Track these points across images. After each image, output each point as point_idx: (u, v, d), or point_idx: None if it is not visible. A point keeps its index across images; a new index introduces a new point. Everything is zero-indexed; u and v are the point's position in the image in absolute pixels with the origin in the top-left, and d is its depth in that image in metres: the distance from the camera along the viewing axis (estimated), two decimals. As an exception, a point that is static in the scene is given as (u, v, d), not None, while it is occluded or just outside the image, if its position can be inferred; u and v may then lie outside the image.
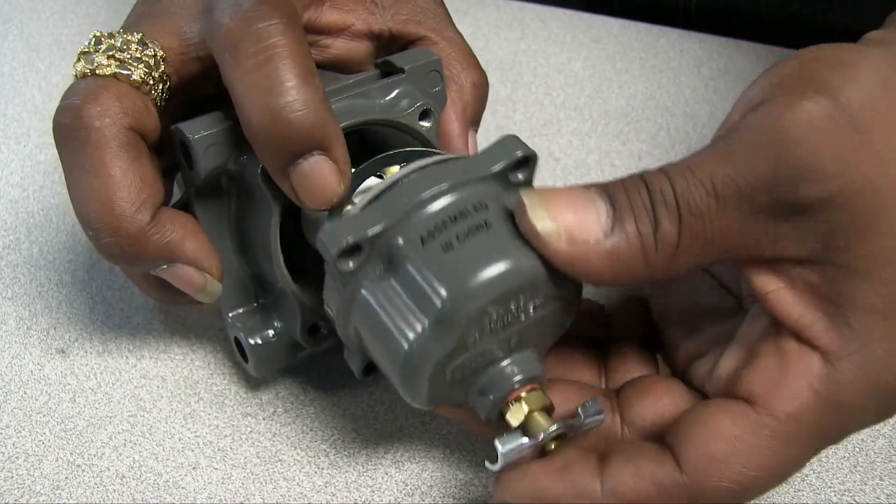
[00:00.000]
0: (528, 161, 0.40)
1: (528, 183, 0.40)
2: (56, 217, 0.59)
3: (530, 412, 0.39)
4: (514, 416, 0.39)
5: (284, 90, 0.38)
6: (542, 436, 0.38)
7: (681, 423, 0.38)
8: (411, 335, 0.37)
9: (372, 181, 0.42)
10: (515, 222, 0.37)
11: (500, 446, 0.38)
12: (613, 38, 0.71)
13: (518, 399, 0.39)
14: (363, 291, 0.38)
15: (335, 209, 0.41)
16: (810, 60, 0.37)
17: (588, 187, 0.37)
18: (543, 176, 0.60)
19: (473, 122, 0.49)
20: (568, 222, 0.36)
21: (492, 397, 0.39)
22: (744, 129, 0.36)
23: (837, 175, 0.34)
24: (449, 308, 0.36)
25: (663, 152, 0.62)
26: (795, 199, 0.35)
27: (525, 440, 0.38)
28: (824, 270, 0.36)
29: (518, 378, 0.39)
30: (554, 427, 0.38)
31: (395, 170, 0.43)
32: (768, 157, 0.34)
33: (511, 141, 0.40)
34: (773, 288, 0.37)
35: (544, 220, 0.36)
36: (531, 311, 0.38)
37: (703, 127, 0.63)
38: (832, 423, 0.37)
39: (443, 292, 0.36)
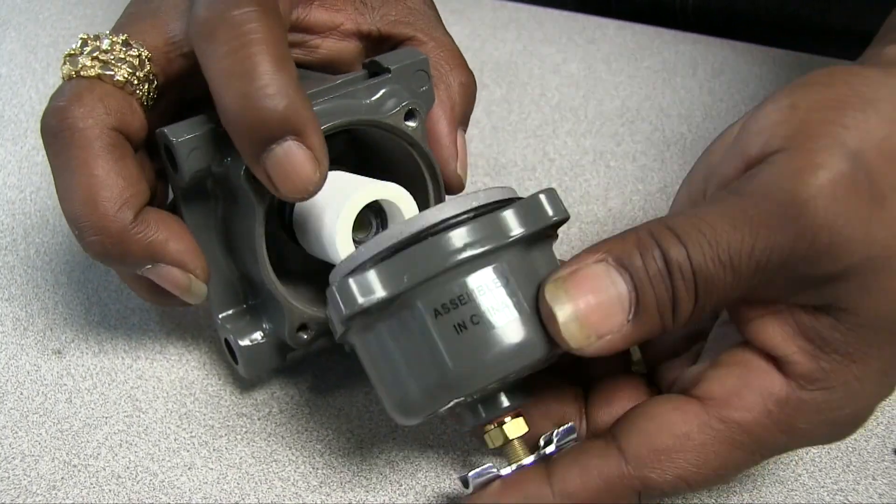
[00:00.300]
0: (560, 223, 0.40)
1: (552, 237, 0.41)
2: (53, 218, 0.59)
3: (509, 440, 0.40)
4: (494, 441, 0.40)
5: (257, 75, 0.38)
6: (515, 466, 0.40)
7: (629, 415, 0.39)
8: (414, 391, 0.38)
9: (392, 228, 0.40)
10: (535, 291, 0.38)
11: (471, 478, 0.39)
12: (609, 39, 0.71)
13: (501, 424, 0.40)
14: (369, 337, 0.39)
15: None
16: (827, 98, 0.36)
17: (605, 261, 0.36)
18: (538, 177, 0.61)
19: (462, 121, 0.49)
20: (593, 320, 0.36)
21: (476, 419, 0.40)
22: (759, 190, 0.35)
23: (855, 250, 0.35)
24: (454, 381, 0.37)
25: (658, 153, 0.62)
26: (812, 274, 0.35)
27: (494, 471, 0.39)
28: (816, 315, 0.37)
29: (506, 406, 0.40)
30: (530, 459, 0.40)
31: (411, 208, 0.44)
32: (787, 231, 0.34)
33: (550, 197, 0.40)
34: (756, 316, 0.38)
35: (566, 310, 0.36)
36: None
37: (697, 128, 0.63)
38: (779, 441, 0.38)
39: (450, 366, 0.37)
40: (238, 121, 0.39)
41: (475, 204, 0.38)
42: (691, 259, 0.35)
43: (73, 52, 0.44)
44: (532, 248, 0.39)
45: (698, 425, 0.37)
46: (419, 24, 0.49)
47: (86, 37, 0.44)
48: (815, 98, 0.37)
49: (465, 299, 0.37)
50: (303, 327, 0.46)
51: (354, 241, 0.44)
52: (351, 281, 0.37)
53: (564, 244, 0.56)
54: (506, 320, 0.37)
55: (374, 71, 0.47)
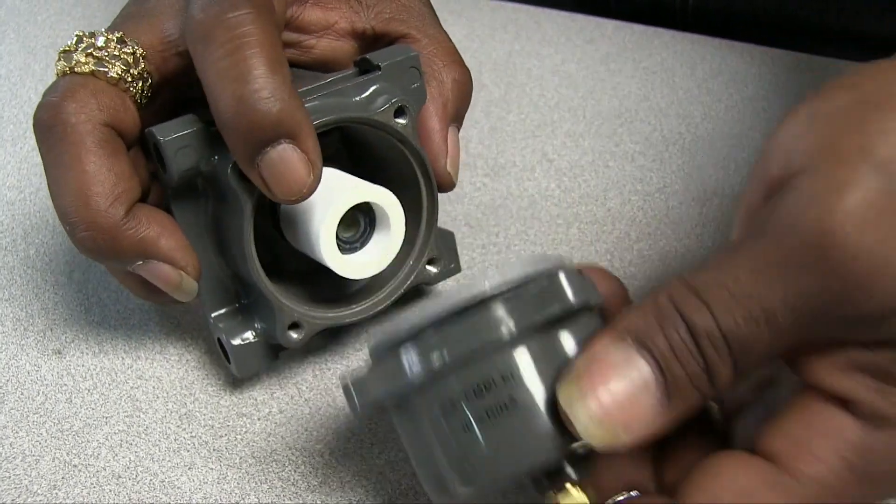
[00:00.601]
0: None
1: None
2: (52, 219, 0.59)
3: None
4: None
5: (252, 78, 0.39)
6: None
7: (692, 472, 0.34)
8: (451, 477, 0.36)
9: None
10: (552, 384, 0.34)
11: None
12: (607, 39, 0.71)
13: (563, 490, 0.36)
14: (395, 419, 0.38)
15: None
16: (852, 102, 0.32)
17: (622, 344, 0.33)
18: (537, 177, 0.61)
19: (455, 118, 0.49)
20: (616, 416, 0.32)
21: (538, 488, 0.37)
22: (780, 225, 0.31)
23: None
24: (462, 497, 0.35)
25: (657, 153, 0.62)
26: (858, 313, 0.31)
27: None
28: (875, 350, 0.32)
29: (570, 478, 0.36)
30: None
31: (398, 212, 0.45)
32: (817, 270, 0.31)
33: (578, 283, 0.36)
34: (811, 359, 0.34)
35: (585, 413, 0.32)
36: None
37: (696, 128, 0.64)
38: (860, 493, 0.33)
39: (455, 482, 0.35)
40: (233, 123, 0.39)
41: (516, 276, 0.35)
42: (719, 323, 0.31)
43: (67, 48, 0.44)
44: (547, 333, 0.35)
45: (766, 481, 0.33)
46: (413, 21, 0.49)
47: (81, 34, 0.44)
48: (838, 103, 0.33)
49: (498, 382, 0.34)
50: (294, 326, 0.46)
51: (340, 240, 0.44)
52: (364, 375, 0.36)
53: (563, 244, 0.56)
54: (511, 422, 0.34)
55: (365, 68, 0.47)
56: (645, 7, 0.75)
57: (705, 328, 0.31)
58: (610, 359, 0.32)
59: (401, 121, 0.46)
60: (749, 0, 0.71)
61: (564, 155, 0.62)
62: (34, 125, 0.44)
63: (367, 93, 0.46)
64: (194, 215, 0.46)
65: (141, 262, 0.44)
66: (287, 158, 0.39)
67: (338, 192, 0.43)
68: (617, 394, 0.32)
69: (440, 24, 0.51)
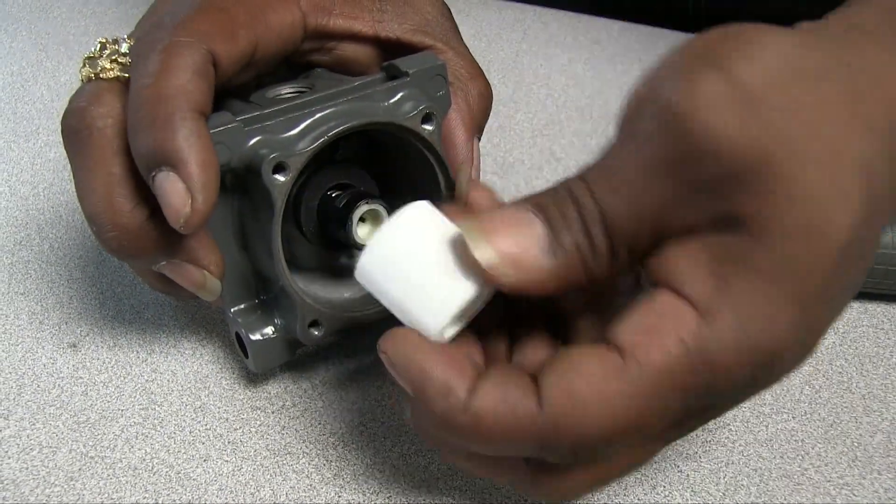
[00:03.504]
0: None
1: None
2: (66, 214, 0.60)
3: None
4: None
5: (139, 106, 0.41)
6: None
7: (550, 361, 0.37)
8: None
9: None
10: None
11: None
12: (613, 40, 0.72)
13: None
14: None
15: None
16: (714, 38, 0.36)
17: (522, 205, 0.36)
18: (546, 175, 0.61)
19: (478, 130, 0.50)
20: (509, 250, 0.36)
21: None
22: (646, 117, 0.35)
23: (738, 149, 0.33)
24: None
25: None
26: (702, 178, 0.34)
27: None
28: (721, 231, 0.34)
29: None
30: None
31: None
32: (665, 138, 0.34)
33: None
34: (659, 251, 0.36)
35: (486, 251, 0.36)
36: None
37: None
38: (701, 380, 0.35)
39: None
40: (131, 143, 0.42)
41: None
42: (598, 202, 0.35)
43: (92, 55, 0.45)
44: None
45: (616, 371, 0.35)
46: (438, 33, 0.50)
47: (104, 41, 0.45)
48: (703, 39, 0.37)
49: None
50: (314, 323, 0.47)
51: None
52: None
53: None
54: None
55: (393, 74, 0.47)
56: (658, 9, 0.75)
57: (588, 207, 0.35)
58: (512, 214, 0.36)
59: (427, 127, 0.46)
60: (762, 2, 0.71)
61: (572, 154, 0.63)
62: (62, 130, 0.44)
63: (396, 98, 0.46)
64: (220, 210, 0.46)
65: (165, 262, 0.45)
66: (164, 186, 0.41)
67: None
68: (512, 241, 0.36)
69: (461, 38, 0.51)
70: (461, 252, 0.37)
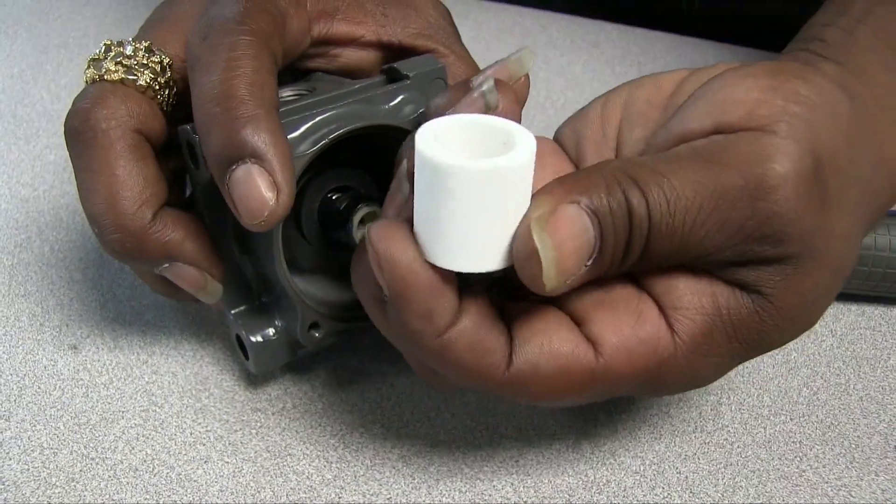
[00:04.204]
0: None
1: None
2: (66, 216, 0.60)
3: None
4: None
5: (223, 98, 0.40)
6: None
7: (526, 321, 0.39)
8: None
9: None
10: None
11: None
12: (612, 42, 0.72)
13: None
14: None
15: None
16: (784, 79, 0.38)
17: (578, 204, 0.36)
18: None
19: None
20: (568, 265, 0.35)
21: None
22: (727, 162, 0.36)
23: (794, 244, 0.36)
24: None
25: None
26: (750, 253, 0.37)
27: None
28: (734, 290, 0.38)
29: None
30: None
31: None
32: (745, 209, 0.36)
33: None
34: (672, 271, 0.39)
35: (547, 250, 0.35)
36: None
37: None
38: (643, 391, 0.40)
39: None
40: (204, 140, 0.41)
41: None
42: (650, 212, 0.36)
43: (96, 56, 0.45)
44: None
45: (582, 363, 0.38)
46: (440, 37, 0.50)
47: (109, 42, 0.45)
48: (792, 88, 0.38)
49: None
50: (314, 325, 0.47)
51: None
52: None
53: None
54: None
55: (393, 77, 0.47)
56: (653, 10, 0.76)
57: (640, 211, 0.36)
58: (568, 215, 0.36)
59: None
60: (756, 3, 0.72)
61: (571, 156, 0.63)
62: (65, 132, 0.44)
63: (396, 101, 0.46)
64: (222, 212, 0.47)
65: (167, 265, 0.45)
66: (249, 177, 0.40)
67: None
68: (572, 248, 0.35)
69: (463, 43, 0.52)
70: (522, 232, 0.35)
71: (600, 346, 0.38)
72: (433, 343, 0.37)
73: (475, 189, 0.34)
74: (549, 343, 0.38)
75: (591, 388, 0.39)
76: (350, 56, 0.49)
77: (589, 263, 0.36)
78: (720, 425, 0.49)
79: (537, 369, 0.38)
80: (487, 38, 0.73)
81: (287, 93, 0.48)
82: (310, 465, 0.47)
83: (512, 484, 0.46)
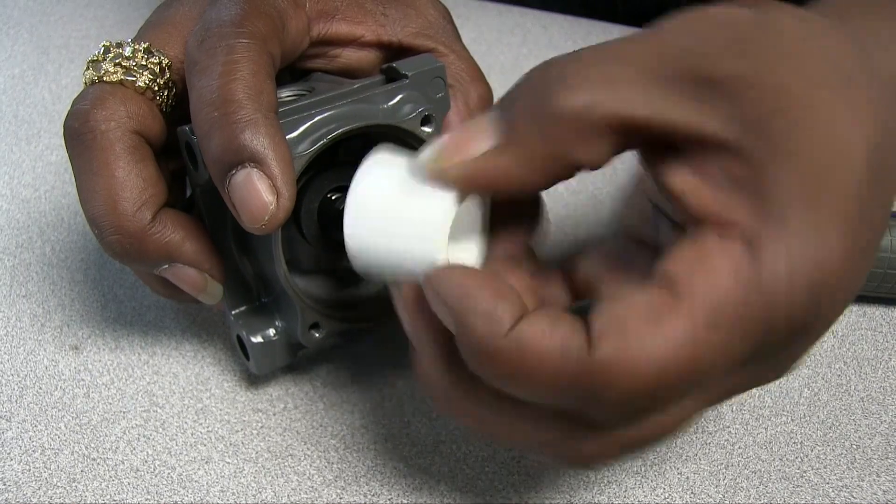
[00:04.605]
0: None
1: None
2: (68, 216, 0.60)
3: None
4: None
5: (222, 103, 0.40)
6: None
7: (598, 301, 0.34)
8: None
9: None
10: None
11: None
12: (613, 43, 0.72)
13: None
14: None
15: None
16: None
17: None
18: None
19: None
20: (454, 145, 0.36)
21: None
22: (668, 19, 0.36)
23: (757, 56, 0.33)
24: None
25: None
26: (710, 73, 0.34)
27: None
28: (744, 159, 0.33)
29: None
30: None
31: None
32: (687, 34, 0.35)
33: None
34: (692, 184, 0.34)
35: (436, 155, 0.37)
36: None
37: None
38: (758, 315, 0.33)
39: None
40: (203, 144, 0.41)
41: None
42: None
43: (95, 58, 0.45)
44: None
45: (669, 306, 0.32)
46: (439, 36, 0.50)
47: (108, 44, 0.45)
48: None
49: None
50: (315, 326, 0.47)
51: None
52: None
53: (571, 247, 0.57)
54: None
55: (392, 76, 0.47)
56: (651, 12, 0.76)
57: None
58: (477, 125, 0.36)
59: (427, 129, 0.46)
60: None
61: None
62: (64, 133, 0.44)
63: (395, 100, 0.46)
64: (220, 214, 0.47)
65: (167, 266, 0.45)
66: (249, 182, 0.40)
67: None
68: (462, 132, 0.36)
69: (462, 42, 0.52)
70: (419, 172, 0.37)
71: (680, 288, 0.33)
72: (505, 345, 0.33)
73: (367, 203, 0.39)
74: (627, 303, 0.33)
75: (701, 343, 0.32)
76: (349, 56, 0.49)
77: (500, 143, 0.36)
78: (721, 426, 0.49)
79: (625, 333, 0.32)
80: (489, 39, 0.73)
81: (286, 93, 0.48)
82: (311, 465, 0.47)
83: (513, 484, 0.46)
